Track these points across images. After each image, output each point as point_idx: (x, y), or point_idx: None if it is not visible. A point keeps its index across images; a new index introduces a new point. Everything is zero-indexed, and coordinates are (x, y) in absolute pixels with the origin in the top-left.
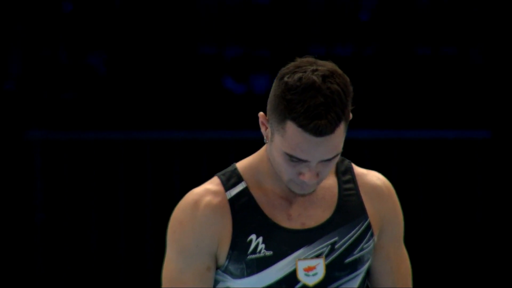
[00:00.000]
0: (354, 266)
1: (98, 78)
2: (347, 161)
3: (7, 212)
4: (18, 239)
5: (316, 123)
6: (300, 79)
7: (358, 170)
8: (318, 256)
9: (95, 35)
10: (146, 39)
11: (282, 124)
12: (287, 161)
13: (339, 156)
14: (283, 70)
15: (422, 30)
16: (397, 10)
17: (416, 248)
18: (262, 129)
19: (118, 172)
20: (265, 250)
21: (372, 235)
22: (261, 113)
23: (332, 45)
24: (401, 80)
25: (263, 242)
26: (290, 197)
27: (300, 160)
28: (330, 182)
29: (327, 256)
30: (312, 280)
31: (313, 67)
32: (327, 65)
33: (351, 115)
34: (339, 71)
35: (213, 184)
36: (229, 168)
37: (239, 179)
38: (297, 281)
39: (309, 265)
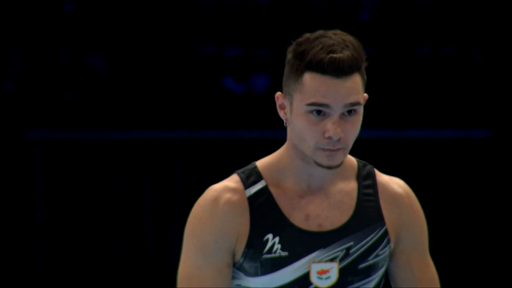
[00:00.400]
0: (368, 272)
1: (98, 78)
2: (369, 166)
3: (7, 211)
4: (18, 239)
5: (331, 57)
6: (309, 35)
7: (380, 177)
8: (332, 259)
9: (95, 35)
10: (146, 39)
11: (299, 80)
12: (310, 120)
13: (361, 113)
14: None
15: (422, 30)
16: (397, 10)
17: None
18: (281, 113)
19: (118, 171)
20: (280, 251)
21: (388, 242)
22: (277, 93)
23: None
24: (401, 80)
25: (279, 242)
26: (309, 196)
27: (322, 113)
28: (350, 185)
29: (341, 260)
30: (324, 283)
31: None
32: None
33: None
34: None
35: (232, 182)
36: (249, 166)
37: (258, 177)
38: (310, 283)
39: (323, 268)
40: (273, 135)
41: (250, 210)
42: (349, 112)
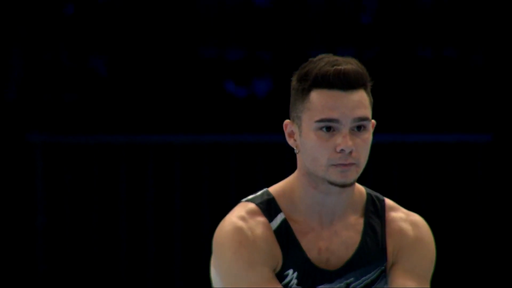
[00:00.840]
0: None
1: (100, 81)
2: (381, 199)
3: (9, 214)
4: (19, 242)
5: (336, 69)
6: (311, 59)
7: (390, 212)
8: None
9: (96, 38)
10: (148, 42)
11: (306, 100)
12: (320, 137)
13: (370, 131)
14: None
15: (423, 33)
16: (399, 13)
17: None
18: (290, 141)
19: (119, 175)
20: (296, 286)
21: (385, 276)
22: (285, 121)
23: (334, 48)
24: (403, 83)
25: (297, 277)
26: (320, 231)
27: (331, 129)
28: (357, 220)
29: None
30: None
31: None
32: None
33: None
34: None
35: (256, 214)
36: (265, 196)
37: (277, 209)
38: None
39: None
40: (275, 139)
41: (279, 244)
42: (359, 128)
